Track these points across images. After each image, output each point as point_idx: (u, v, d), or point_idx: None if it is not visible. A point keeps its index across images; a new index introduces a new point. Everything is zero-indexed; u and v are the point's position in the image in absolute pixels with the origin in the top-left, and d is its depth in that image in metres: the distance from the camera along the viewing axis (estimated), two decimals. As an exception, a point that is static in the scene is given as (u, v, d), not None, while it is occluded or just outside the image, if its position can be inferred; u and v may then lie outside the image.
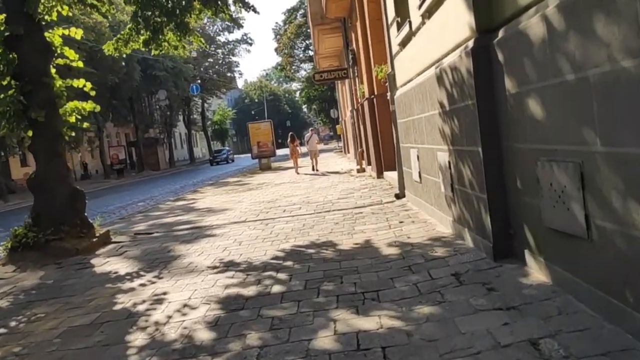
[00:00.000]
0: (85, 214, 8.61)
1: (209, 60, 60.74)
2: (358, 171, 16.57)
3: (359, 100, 16.05)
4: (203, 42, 10.70)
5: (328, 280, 4.61)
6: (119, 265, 6.63)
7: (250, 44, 68.03)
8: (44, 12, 8.49)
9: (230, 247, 6.77)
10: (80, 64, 8.93)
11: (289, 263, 5.49)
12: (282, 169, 24.65)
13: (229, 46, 64.41)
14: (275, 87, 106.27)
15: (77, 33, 8.91)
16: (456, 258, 4.69)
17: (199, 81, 57.05)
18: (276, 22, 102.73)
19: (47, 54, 8.29)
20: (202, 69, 57.10)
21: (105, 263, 6.92)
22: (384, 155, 12.86)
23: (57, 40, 8.61)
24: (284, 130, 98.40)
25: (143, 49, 10.30)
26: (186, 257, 6.57)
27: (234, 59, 65.44)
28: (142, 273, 6.02)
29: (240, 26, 65.07)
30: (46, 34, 8.51)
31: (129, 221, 11.64)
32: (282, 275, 5.00)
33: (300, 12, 56.93)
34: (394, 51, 8.68)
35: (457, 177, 5.19)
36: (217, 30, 64.19)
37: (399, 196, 9.14)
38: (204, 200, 14.42)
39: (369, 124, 13.54)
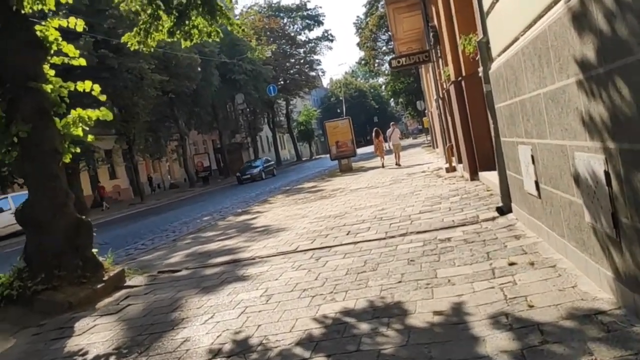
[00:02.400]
0: (95, 249, 6.85)
1: (290, 60, 59.63)
2: (447, 170, 13.91)
3: (444, 86, 13.40)
4: (239, 25, 8.66)
5: None
6: (99, 337, 4.68)
7: (332, 41, 65.94)
8: (32, 1, 6.81)
9: (251, 308, 4.60)
10: (83, 61, 7.15)
11: (320, 358, 3.22)
12: (363, 170, 22.32)
13: (310, 44, 62.98)
14: (361, 84, 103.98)
15: (78, 24, 7.14)
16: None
17: (281, 82, 56.06)
18: (357, 16, 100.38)
19: (36, 51, 6.57)
20: (283, 69, 55.98)
21: (89, 330, 5.01)
22: (478, 150, 10.21)
23: (53, 34, 6.89)
24: (372, 126, 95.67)
25: (169, 40, 8.46)
26: (187, 326, 4.49)
27: (315, 57, 63.86)
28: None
29: (320, 23, 63.74)
30: (37, 27, 6.82)
31: (172, 247, 9.91)
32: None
33: (381, 3, 54.32)
34: (485, 6, 6.12)
35: (628, 201, 2.67)
36: (297, 29, 63.12)
37: (502, 211, 6.55)
38: (268, 214, 12.48)
39: (457, 113, 10.93)
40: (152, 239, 13.19)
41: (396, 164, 20.25)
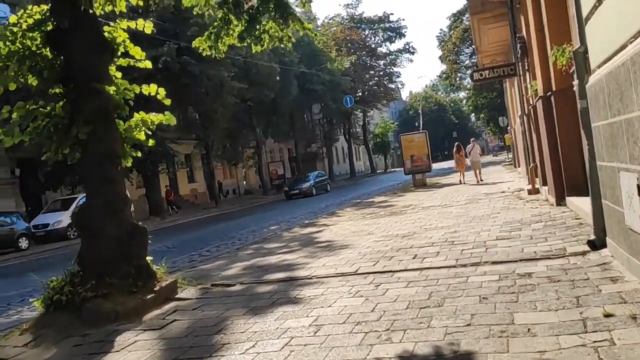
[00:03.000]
0: (150, 257, 6.65)
1: (369, 72, 59.23)
2: (529, 192, 12.86)
3: (530, 102, 12.42)
4: (312, 29, 8.29)
5: None
6: (135, 356, 4.38)
7: (413, 53, 64.80)
8: (103, 2, 6.76)
9: (297, 340, 4.12)
10: (148, 64, 7.01)
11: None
12: (438, 187, 21.39)
13: (390, 57, 62.27)
14: (441, 97, 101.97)
15: (146, 26, 7.02)
16: None
17: (359, 94, 55.71)
18: (440, 29, 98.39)
19: (102, 52, 6.48)
20: (362, 80, 55.62)
21: (128, 346, 4.72)
22: (567, 173, 9.24)
23: (121, 36, 6.80)
24: (450, 142, 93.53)
25: (239, 45, 8.22)
26: (226, 355, 4.08)
27: (395, 69, 63.03)
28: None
29: (402, 35, 62.89)
30: (106, 28, 6.75)
31: (234, 257, 9.66)
32: None
33: (466, 16, 52.94)
34: (584, 12, 5.36)
35: None
36: (379, 41, 62.64)
37: (595, 245, 5.70)
38: (334, 227, 12.02)
39: (544, 131, 9.99)
40: (218, 245, 13.09)
41: (478, 182, 20.04)
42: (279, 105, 37.62)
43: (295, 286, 6.18)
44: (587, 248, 5.78)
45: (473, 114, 76.74)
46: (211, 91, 25.63)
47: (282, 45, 8.44)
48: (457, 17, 56.34)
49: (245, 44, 8.15)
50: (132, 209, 21.14)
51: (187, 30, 22.20)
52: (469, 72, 61.54)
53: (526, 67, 12.55)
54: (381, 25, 61.32)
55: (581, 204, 8.06)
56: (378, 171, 67.63)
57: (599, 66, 4.90)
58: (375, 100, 58.66)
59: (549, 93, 9.44)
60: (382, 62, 60.31)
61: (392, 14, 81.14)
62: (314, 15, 50.54)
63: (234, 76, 26.81)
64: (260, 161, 39.68)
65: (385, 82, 59.89)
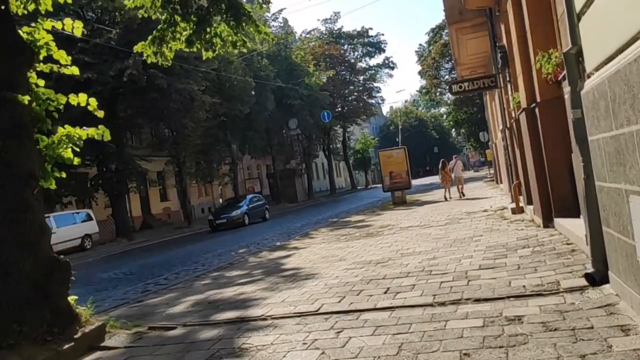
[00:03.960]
0: (73, 297, 5.63)
1: (349, 87, 58.71)
2: (513, 211, 12.07)
3: (513, 115, 11.68)
4: (270, 34, 7.42)
5: None
6: None
7: (392, 68, 64.43)
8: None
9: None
10: (75, 70, 6.04)
11: None
12: (418, 204, 20.57)
13: (370, 72, 61.85)
14: (421, 113, 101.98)
15: (75, 27, 6.06)
16: None
17: (338, 109, 55.07)
18: (420, 44, 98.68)
19: (16, 55, 5.50)
20: (341, 95, 54.99)
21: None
22: (554, 192, 8.45)
23: (43, 38, 5.84)
24: (431, 157, 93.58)
25: (187, 50, 7.32)
26: None
27: (375, 84, 62.55)
28: None
29: (381, 50, 62.58)
30: (25, 28, 5.79)
31: (188, 287, 8.67)
32: None
33: (445, 31, 52.88)
34: (577, 6, 4.55)
35: None
36: (358, 56, 62.24)
37: (593, 279, 4.84)
38: (304, 252, 11.09)
39: (528, 145, 9.22)
40: (178, 272, 12.04)
41: (460, 196, 20.66)
42: (255, 121, 36.69)
43: (244, 331, 5.20)
44: (584, 283, 4.92)
45: (454, 129, 76.75)
46: (181, 106, 24.61)
47: (236, 51, 7.57)
48: (436, 32, 56.36)
49: (195, 50, 7.25)
50: (97, 230, 19.91)
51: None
52: (448, 92, 61.68)
53: (507, 79, 11.83)
54: (360, 40, 60.99)
55: (572, 227, 7.25)
56: (359, 187, 66.90)
57: (598, 68, 4.09)
58: (355, 115, 58.00)
59: (533, 104, 8.68)
60: (361, 77, 59.76)
61: (371, 28, 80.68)
62: (291, 29, 49.91)
63: (205, 90, 25.84)
64: (236, 178, 38.59)
65: (365, 98, 59.30)
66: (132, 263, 15.79)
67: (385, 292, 5.95)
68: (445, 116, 76.04)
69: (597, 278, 4.82)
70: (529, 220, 10.24)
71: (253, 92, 32.27)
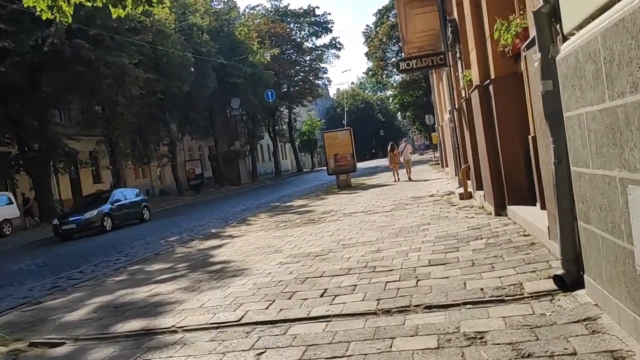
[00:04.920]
0: None
1: (295, 67, 57.45)
2: (461, 197, 11.46)
3: (463, 94, 11.00)
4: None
5: None
6: None
7: (339, 49, 63.62)
8: None
9: None
10: None
11: None
12: (363, 188, 19.87)
13: (316, 52, 60.74)
14: (368, 96, 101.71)
15: None
16: None
17: (284, 89, 53.78)
18: (367, 25, 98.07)
19: None
20: (286, 75, 53.66)
21: None
22: (508, 178, 7.78)
23: None
24: (377, 140, 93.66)
25: (89, 4, 6.09)
26: None
27: (321, 65, 61.51)
28: None
29: (328, 30, 61.50)
30: None
31: (98, 286, 7.52)
32: None
33: (392, 12, 52.39)
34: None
35: None
36: (304, 35, 60.96)
37: (563, 282, 4.08)
38: (238, 241, 10.11)
39: (480, 126, 8.50)
40: (97, 264, 10.81)
41: (409, 178, 20.83)
42: (196, 100, 35.00)
43: (145, 350, 4.19)
44: (552, 286, 4.18)
45: (399, 113, 76.80)
46: (112, 81, 22.76)
47: (154, 11, 6.42)
48: (383, 13, 55.77)
49: (100, 4, 6.04)
50: (18, 214, 18.17)
51: (80, 9, 19.34)
52: (395, 69, 61.39)
53: (458, 55, 11.11)
54: (307, 19, 59.69)
55: (528, 217, 6.58)
56: (305, 170, 66.10)
57: (584, 24, 3.25)
58: (301, 96, 56.89)
59: (487, 82, 7.94)
60: (307, 58, 58.60)
61: (317, 7, 79.41)
62: (234, 4, 48.00)
63: (139, 64, 24.03)
64: (175, 160, 36.82)
65: (311, 78, 58.25)
66: (50, 252, 14.35)
67: (322, 295, 5.06)
68: (391, 99, 75.94)
69: (568, 281, 4.08)
70: (479, 207, 9.60)
71: (192, 69, 30.53)
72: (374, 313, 4.28)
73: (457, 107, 12.67)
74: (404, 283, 5.06)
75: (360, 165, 32.81)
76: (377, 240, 7.80)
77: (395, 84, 62.93)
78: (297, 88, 56.13)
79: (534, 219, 6.33)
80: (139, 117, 28.11)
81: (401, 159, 22.64)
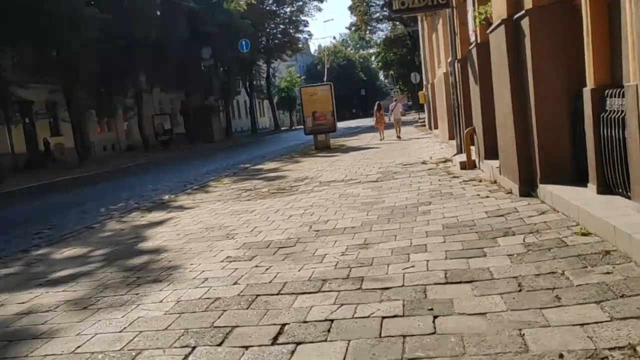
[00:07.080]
0: None
1: (275, 20, 54.16)
2: (462, 166, 9.47)
3: (473, 40, 8.82)
4: None
5: None
6: None
7: (322, 1, 60.24)
8: None
9: None
10: None
11: None
12: (343, 150, 17.78)
13: (297, 3, 57.28)
14: (351, 53, 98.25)
15: None
16: None
17: (262, 42, 50.67)
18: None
19: None
20: (265, 27, 50.43)
21: None
22: (543, 147, 5.72)
23: None
24: (359, 100, 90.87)
25: None
26: None
27: (302, 17, 58.10)
28: None
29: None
30: None
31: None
32: None
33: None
34: None
35: None
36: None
37: None
38: (185, 216, 8.06)
39: (504, 78, 6.38)
40: (10, 240, 8.59)
41: (397, 137, 20.76)
42: (165, 49, 32.03)
43: None
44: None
45: (382, 71, 74.18)
46: (61, 22, 19.92)
47: None
48: (369, -36, 52.63)
49: None
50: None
51: None
52: (379, 25, 58.50)
53: (468, -10, 8.88)
54: (288, -35, 56.07)
55: (583, 204, 4.56)
56: (282, 128, 63.54)
57: None
58: (280, 50, 53.81)
59: (521, 13, 5.78)
60: (287, 9, 55.26)
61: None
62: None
63: (96, 3, 21.16)
64: (141, 114, 34.06)
65: (292, 31, 55.08)
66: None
67: (274, 342, 3.01)
68: (374, 57, 73.07)
69: None
70: (491, 182, 7.59)
71: (159, 12, 27.54)
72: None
73: (460, 57, 10.53)
74: (411, 323, 3.04)
75: (341, 125, 30.60)
76: (362, 225, 5.78)
77: (379, 41, 60.26)
78: (276, 41, 52.99)
79: (594, 209, 4.32)
80: (101, 65, 25.26)
81: (391, 118, 23.03)
